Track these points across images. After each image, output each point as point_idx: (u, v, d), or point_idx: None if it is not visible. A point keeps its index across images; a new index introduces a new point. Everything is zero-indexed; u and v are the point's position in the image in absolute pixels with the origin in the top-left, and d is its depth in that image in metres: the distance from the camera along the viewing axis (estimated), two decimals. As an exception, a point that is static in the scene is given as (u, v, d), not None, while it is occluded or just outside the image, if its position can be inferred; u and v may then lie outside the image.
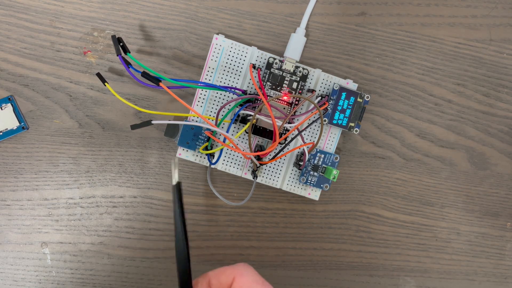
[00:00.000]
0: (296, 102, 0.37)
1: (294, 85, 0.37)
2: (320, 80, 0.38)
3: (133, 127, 0.33)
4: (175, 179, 0.25)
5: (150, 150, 0.39)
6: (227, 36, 0.38)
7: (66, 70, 0.37)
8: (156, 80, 0.34)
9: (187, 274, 0.25)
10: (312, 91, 0.37)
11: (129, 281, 0.40)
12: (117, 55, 0.34)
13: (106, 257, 0.40)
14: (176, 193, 0.25)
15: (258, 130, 0.37)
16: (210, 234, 0.40)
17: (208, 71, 0.37)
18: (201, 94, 0.38)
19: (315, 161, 0.39)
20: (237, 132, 0.38)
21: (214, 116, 0.38)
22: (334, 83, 0.37)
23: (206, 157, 0.38)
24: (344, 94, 0.37)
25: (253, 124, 0.37)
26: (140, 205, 0.39)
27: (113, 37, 0.35)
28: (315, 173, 0.39)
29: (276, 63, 0.37)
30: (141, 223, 0.40)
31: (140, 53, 0.38)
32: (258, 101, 0.37)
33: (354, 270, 0.42)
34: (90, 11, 0.37)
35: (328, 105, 0.37)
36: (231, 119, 0.37)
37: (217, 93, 0.38)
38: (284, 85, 0.37)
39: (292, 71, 0.37)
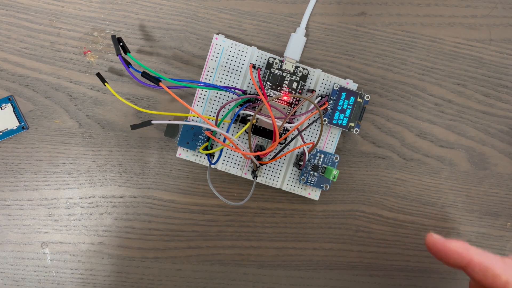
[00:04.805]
0: (296, 102, 0.37)
1: (294, 85, 0.37)
2: (320, 80, 0.38)
3: (133, 127, 0.33)
4: None
5: (150, 150, 0.39)
6: (227, 36, 0.38)
7: (66, 70, 0.37)
8: (156, 80, 0.33)
9: None
10: (312, 91, 0.37)
11: (129, 281, 0.40)
12: (117, 55, 0.34)
13: (106, 257, 0.39)
14: None
15: (258, 130, 0.37)
16: (210, 234, 0.40)
17: (208, 71, 0.37)
18: (201, 94, 0.38)
19: (315, 161, 0.39)
20: (237, 132, 0.38)
21: (214, 116, 0.38)
22: (334, 83, 0.37)
23: (206, 157, 0.38)
24: (344, 94, 0.37)
25: (253, 124, 0.37)
26: (140, 205, 0.39)
27: (113, 37, 0.34)
28: (315, 173, 0.39)
29: (276, 63, 0.37)
30: (141, 223, 0.40)
31: (140, 53, 0.38)
32: (258, 101, 0.37)
33: (354, 270, 0.42)
34: (90, 11, 0.37)
35: (328, 105, 0.37)
36: (231, 119, 0.37)
37: (217, 93, 0.38)
38: (284, 85, 0.37)
39: (292, 71, 0.37)
